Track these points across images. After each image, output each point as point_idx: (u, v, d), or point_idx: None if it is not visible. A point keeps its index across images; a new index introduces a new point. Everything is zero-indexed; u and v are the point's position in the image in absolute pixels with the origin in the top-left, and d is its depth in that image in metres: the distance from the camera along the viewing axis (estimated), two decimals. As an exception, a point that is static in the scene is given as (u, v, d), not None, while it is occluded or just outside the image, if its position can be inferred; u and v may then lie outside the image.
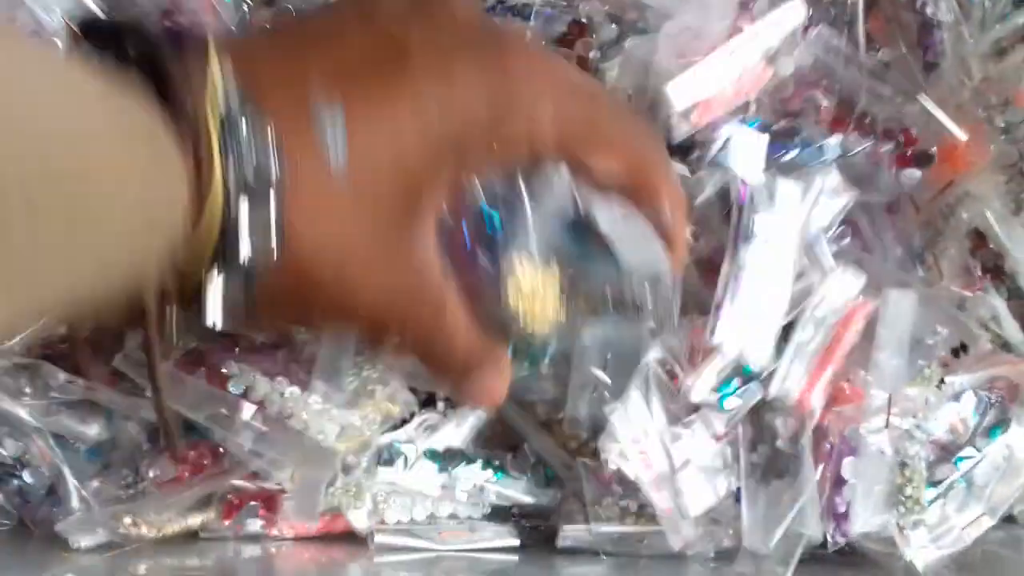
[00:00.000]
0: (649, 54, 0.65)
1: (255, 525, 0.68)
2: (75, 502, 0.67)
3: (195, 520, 0.68)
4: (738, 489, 0.67)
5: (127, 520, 0.66)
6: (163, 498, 0.65)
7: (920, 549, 0.66)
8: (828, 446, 0.66)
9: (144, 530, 0.66)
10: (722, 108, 0.66)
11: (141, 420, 0.68)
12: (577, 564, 0.67)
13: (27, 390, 0.67)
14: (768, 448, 0.66)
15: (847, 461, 0.66)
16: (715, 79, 0.64)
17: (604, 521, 0.68)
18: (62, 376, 0.67)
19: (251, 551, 0.66)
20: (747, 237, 0.65)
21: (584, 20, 0.69)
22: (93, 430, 0.68)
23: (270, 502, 0.68)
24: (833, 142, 0.66)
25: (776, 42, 0.66)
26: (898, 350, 0.66)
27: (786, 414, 0.66)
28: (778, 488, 0.66)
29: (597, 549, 0.68)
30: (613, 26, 0.70)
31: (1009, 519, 0.69)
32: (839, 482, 0.66)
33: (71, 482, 0.67)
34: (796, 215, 0.65)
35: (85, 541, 0.66)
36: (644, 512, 0.67)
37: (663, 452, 0.66)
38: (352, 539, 0.68)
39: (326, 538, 0.69)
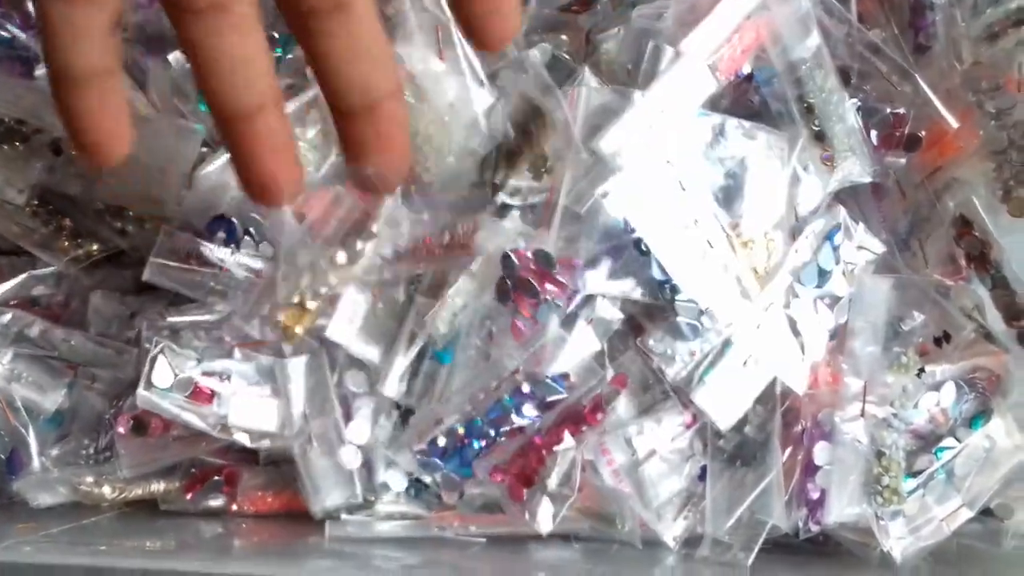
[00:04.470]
0: (652, 22, 0.64)
1: (217, 501, 0.67)
2: (36, 464, 0.66)
3: (158, 487, 0.66)
4: (703, 469, 0.66)
5: (89, 479, 0.65)
6: (127, 456, 0.64)
7: (898, 540, 0.65)
8: (800, 429, 0.65)
9: (106, 490, 0.65)
10: (746, 57, 0.64)
11: (105, 383, 0.67)
12: (549, 548, 0.66)
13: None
14: (736, 434, 0.65)
15: (820, 446, 0.65)
16: (727, 26, 0.62)
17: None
18: (37, 327, 0.66)
19: (211, 529, 0.65)
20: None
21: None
22: (49, 401, 0.67)
23: (232, 477, 0.67)
24: (850, 104, 0.65)
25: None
26: (872, 337, 0.65)
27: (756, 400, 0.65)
28: (743, 473, 0.65)
29: (568, 534, 0.66)
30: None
31: (986, 512, 0.68)
32: (811, 467, 0.65)
33: (33, 445, 0.66)
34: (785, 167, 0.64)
35: (44, 499, 0.65)
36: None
37: (624, 444, 0.65)
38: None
39: (288, 515, 0.67)
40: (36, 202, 0.64)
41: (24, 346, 0.66)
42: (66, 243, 0.65)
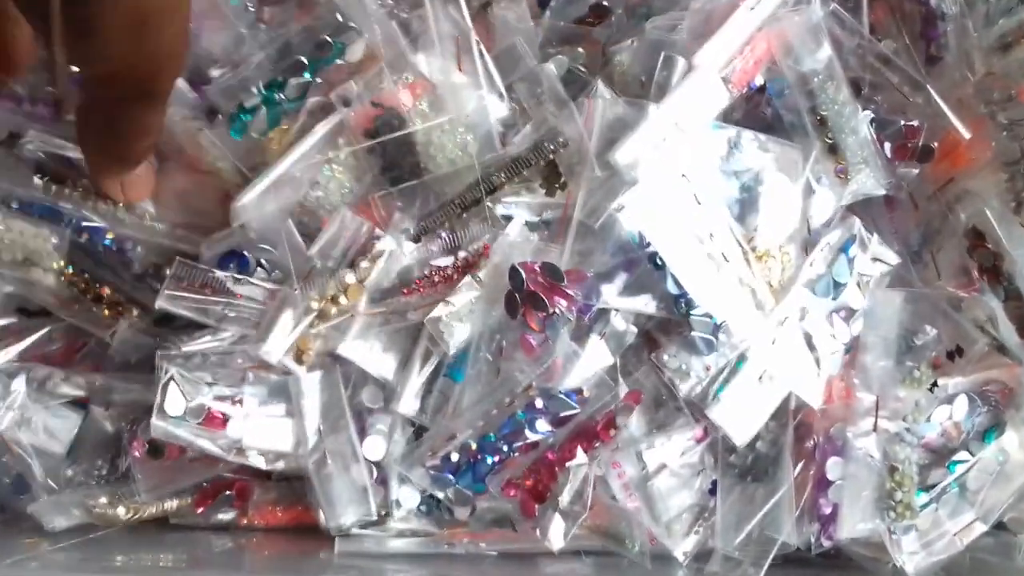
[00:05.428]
0: (667, 33, 0.64)
1: (228, 515, 0.67)
2: (40, 480, 0.65)
3: (171, 504, 0.66)
4: (713, 483, 0.66)
5: (103, 500, 0.64)
6: (144, 480, 0.63)
7: (911, 555, 0.64)
8: (812, 444, 0.65)
9: (120, 511, 0.64)
10: (757, 69, 0.64)
11: (120, 407, 0.66)
12: (559, 563, 0.65)
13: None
14: (748, 449, 0.65)
15: (832, 461, 0.64)
16: (741, 36, 0.62)
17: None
18: (59, 376, 0.65)
19: (222, 543, 0.64)
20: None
21: (605, 3, 0.68)
22: (59, 445, 0.65)
23: (243, 492, 0.66)
24: (863, 116, 0.64)
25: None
26: (884, 351, 0.65)
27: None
28: (754, 488, 0.64)
29: (578, 549, 0.66)
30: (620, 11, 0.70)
31: (999, 526, 0.68)
32: (823, 483, 0.64)
33: (38, 472, 0.65)
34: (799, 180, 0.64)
35: (59, 522, 0.64)
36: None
37: (634, 458, 0.65)
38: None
39: (297, 529, 0.67)
40: (70, 270, 0.63)
41: (35, 394, 0.65)
42: (107, 312, 0.64)
